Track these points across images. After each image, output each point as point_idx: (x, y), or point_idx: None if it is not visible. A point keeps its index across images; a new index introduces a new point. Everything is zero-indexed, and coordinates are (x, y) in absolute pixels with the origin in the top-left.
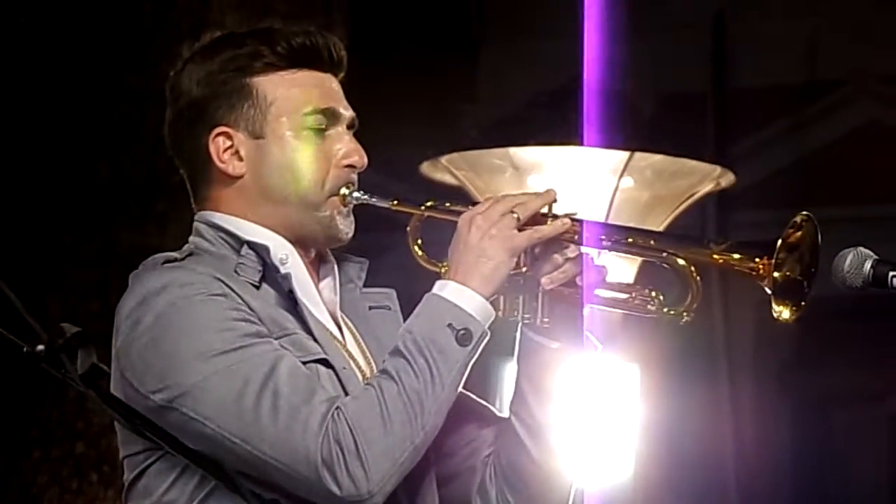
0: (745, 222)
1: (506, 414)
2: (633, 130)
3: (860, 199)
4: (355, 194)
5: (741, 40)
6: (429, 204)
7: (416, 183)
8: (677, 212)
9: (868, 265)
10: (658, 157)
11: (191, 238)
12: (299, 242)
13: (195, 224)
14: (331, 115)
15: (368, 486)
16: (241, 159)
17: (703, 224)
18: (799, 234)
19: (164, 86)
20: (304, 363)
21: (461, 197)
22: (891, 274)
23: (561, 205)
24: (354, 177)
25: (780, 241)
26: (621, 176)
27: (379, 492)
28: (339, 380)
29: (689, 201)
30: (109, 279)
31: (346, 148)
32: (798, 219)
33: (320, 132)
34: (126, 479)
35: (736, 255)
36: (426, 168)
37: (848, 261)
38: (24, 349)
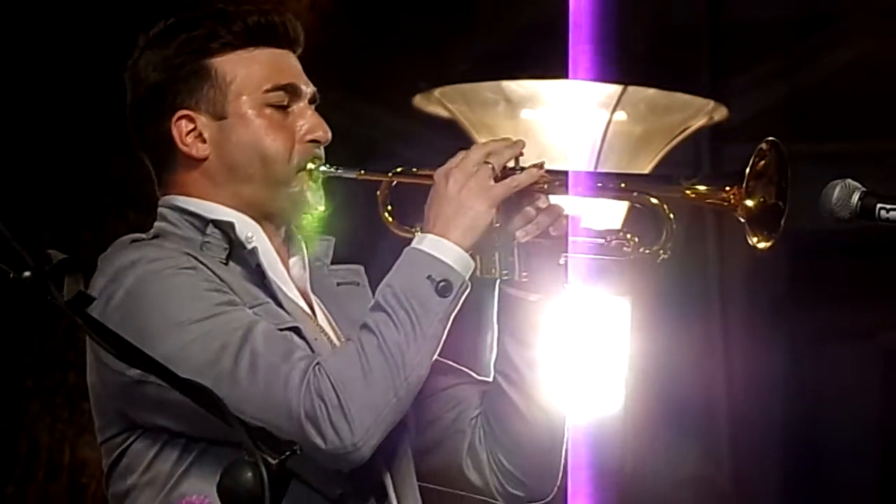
0: (739, 157)
1: (489, 374)
2: (626, 64)
3: (855, 134)
4: (322, 168)
5: None
6: (397, 170)
7: (409, 116)
8: (670, 146)
9: (856, 197)
10: (652, 91)
11: (156, 223)
12: (269, 220)
13: (160, 210)
14: (292, 91)
15: (353, 438)
16: (204, 141)
17: (697, 158)
18: (765, 161)
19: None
20: (279, 330)
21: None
22: (878, 206)
23: (530, 154)
24: (320, 151)
25: (748, 170)
26: (614, 110)
27: (364, 444)
28: (312, 350)
29: (683, 135)
30: (102, 209)
31: (309, 123)
32: (764, 145)
33: (282, 108)
34: (105, 464)
35: (706, 189)
36: (419, 101)
37: (836, 192)
38: (11, 275)
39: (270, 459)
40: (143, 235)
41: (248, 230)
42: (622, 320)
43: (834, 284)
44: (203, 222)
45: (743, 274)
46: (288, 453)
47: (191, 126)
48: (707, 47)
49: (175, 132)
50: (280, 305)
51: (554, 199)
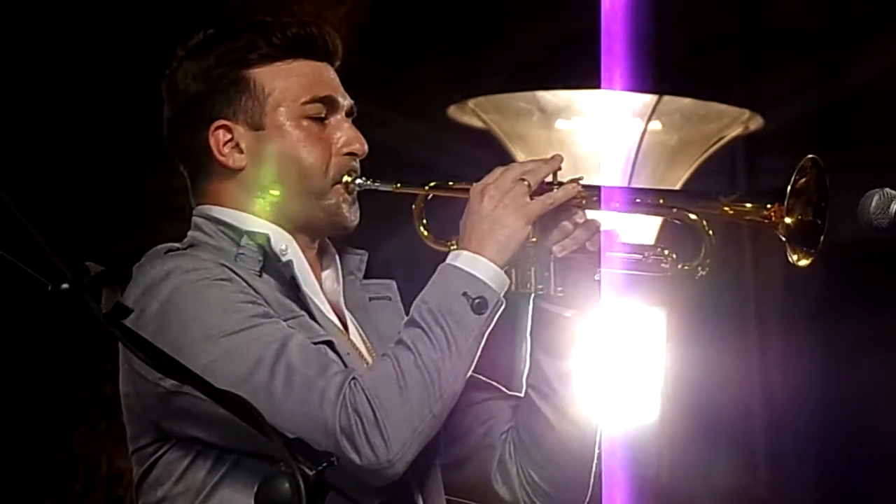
0: (774, 167)
1: (521, 389)
2: (661, 74)
3: (891, 141)
4: (358, 181)
5: None
6: (432, 184)
7: (443, 127)
8: (705, 156)
9: (894, 206)
10: (686, 101)
11: (189, 233)
12: (304, 232)
13: (194, 219)
14: (329, 104)
15: (389, 454)
16: (241, 152)
17: (732, 168)
18: (805, 178)
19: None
20: (313, 344)
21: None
22: None
23: (565, 165)
24: (356, 164)
25: (789, 188)
26: (649, 119)
27: (400, 460)
28: (345, 365)
29: (718, 145)
30: (138, 221)
31: (346, 136)
32: (805, 163)
33: (320, 121)
34: (136, 474)
35: (746, 205)
36: (453, 112)
37: (874, 201)
38: (49, 288)
39: (307, 470)
40: (178, 245)
41: (283, 242)
42: (658, 331)
43: (871, 293)
44: (237, 234)
45: (779, 283)
46: (325, 464)
47: (228, 136)
48: (742, 56)
49: (212, 142)
50: (314, 319)
51: (591, 213)
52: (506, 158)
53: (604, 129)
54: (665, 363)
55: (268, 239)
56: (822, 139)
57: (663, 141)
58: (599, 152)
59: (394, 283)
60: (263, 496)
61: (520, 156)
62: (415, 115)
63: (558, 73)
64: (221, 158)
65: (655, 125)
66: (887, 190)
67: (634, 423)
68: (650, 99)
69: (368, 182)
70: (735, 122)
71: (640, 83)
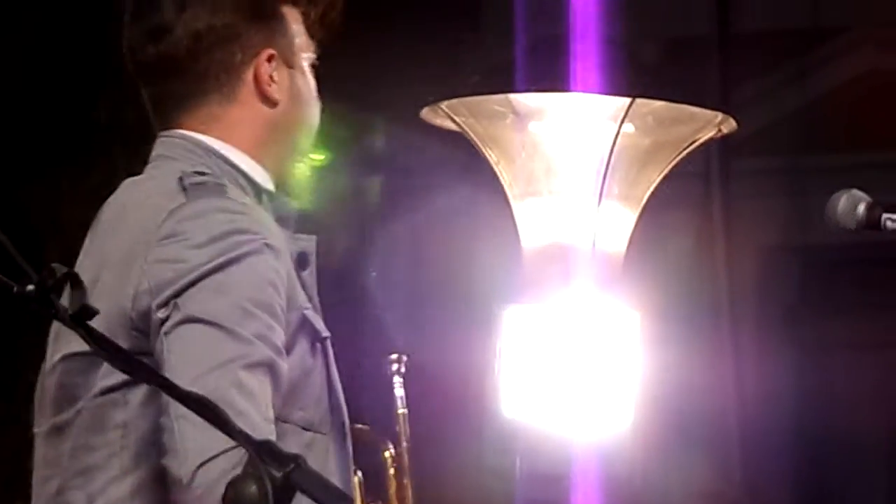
0: (748, 169)
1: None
2: (634, 76)
3: (863, 145)
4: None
5: None
6: None
7: (416, 126)
8: (679, 158)
9: (861, 207)
10: (659, 104)
11: (188, 168)
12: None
13: (193, 147)
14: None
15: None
16: (278, 86)
17: (707, 171)
18: None
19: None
20: (324, 339)
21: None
22: (884, 216)
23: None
24: None
25: None
26: (622, 122)
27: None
28: (328, 370)
29: (692, 148)
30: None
31: None
32: None
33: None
34: None
35: None
36: (426, 114)
37: (841, 203)
38: (14, 290)
39: (275, 472)
40: (211, 178)
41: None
42: (633, 334)
43: (845, 295)
44: (256, 190)
45: (753, 286)
46: (293, 466)
47: (273, 67)
48: (716, 59)
49: (262, 70)
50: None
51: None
52: (478, 157)
53: (577, 132)
54: (640, 366)
55: (288, 206)
56: (797, 142)
57: (636, 143)
58: (573, 155)
59: (314, 239)
60: (230, 498)
61: (492, 157)
62: (388, 115)
63: (532, 76)
64: (267, 88)
65: (628, 128)
66: (854, 191)
67: (607, 427)
68: (623, 102)
69: None
70: (709, 124)
71: (614, 86)
